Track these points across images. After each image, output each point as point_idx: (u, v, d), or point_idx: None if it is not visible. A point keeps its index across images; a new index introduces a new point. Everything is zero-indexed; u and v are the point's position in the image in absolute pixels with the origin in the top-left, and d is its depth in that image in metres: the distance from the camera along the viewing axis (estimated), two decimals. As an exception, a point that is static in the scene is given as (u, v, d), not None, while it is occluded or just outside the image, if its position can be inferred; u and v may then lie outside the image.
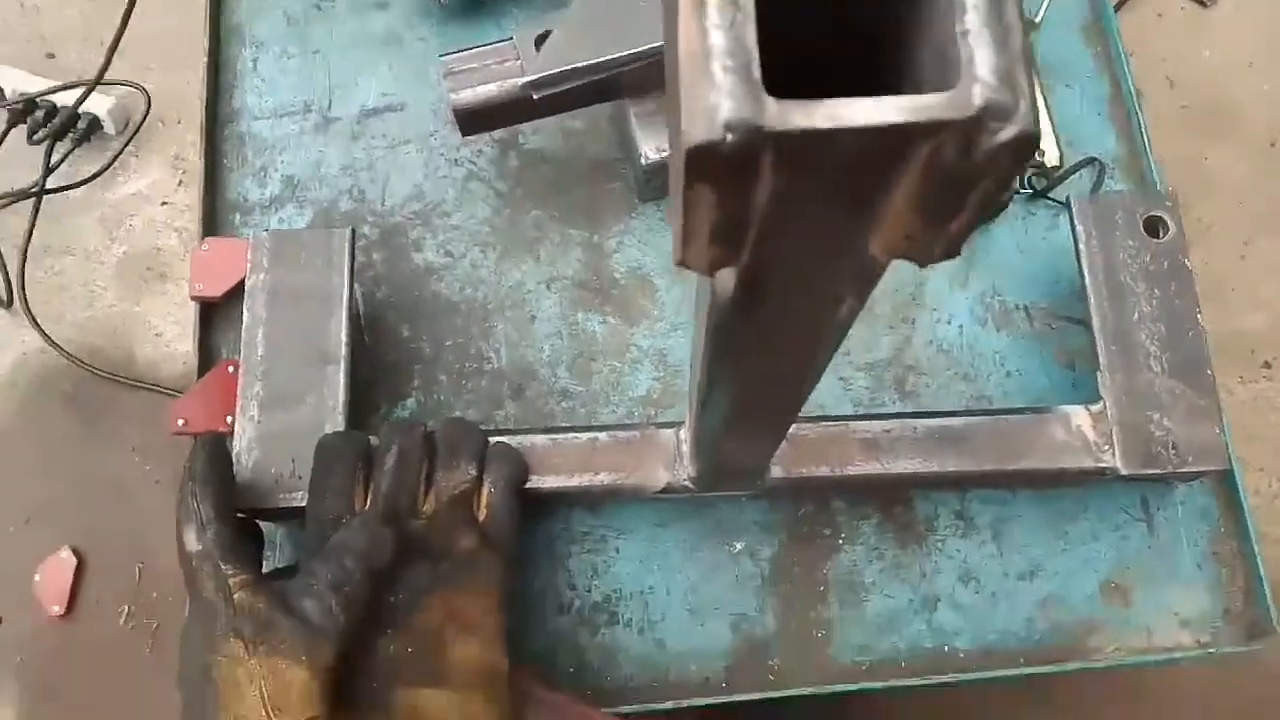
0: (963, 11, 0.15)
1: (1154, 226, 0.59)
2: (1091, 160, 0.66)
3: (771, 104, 0.14)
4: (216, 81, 0.68)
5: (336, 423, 0.54)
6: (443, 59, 0.57)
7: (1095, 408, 0.56)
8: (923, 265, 0.19)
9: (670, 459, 0.55)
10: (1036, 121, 0.15)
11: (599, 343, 0.63)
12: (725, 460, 0.48)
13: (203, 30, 0.68)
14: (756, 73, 0.14)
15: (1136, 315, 0.57)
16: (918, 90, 0.15)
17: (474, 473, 0.51)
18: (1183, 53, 1.42)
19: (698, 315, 0.28)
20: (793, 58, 0.16)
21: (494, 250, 0.64)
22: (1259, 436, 1.23)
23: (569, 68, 0.55)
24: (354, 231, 0.57)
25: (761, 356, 0.26)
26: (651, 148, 0.60)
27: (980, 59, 0.14)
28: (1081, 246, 0.58)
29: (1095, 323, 0.57)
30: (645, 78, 0.59)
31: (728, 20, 0.15)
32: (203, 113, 0.66)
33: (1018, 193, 0.65)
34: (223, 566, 0.44)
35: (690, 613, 0.58)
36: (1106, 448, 0.55)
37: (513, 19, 0.69)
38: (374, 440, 0.52)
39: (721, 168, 0.15)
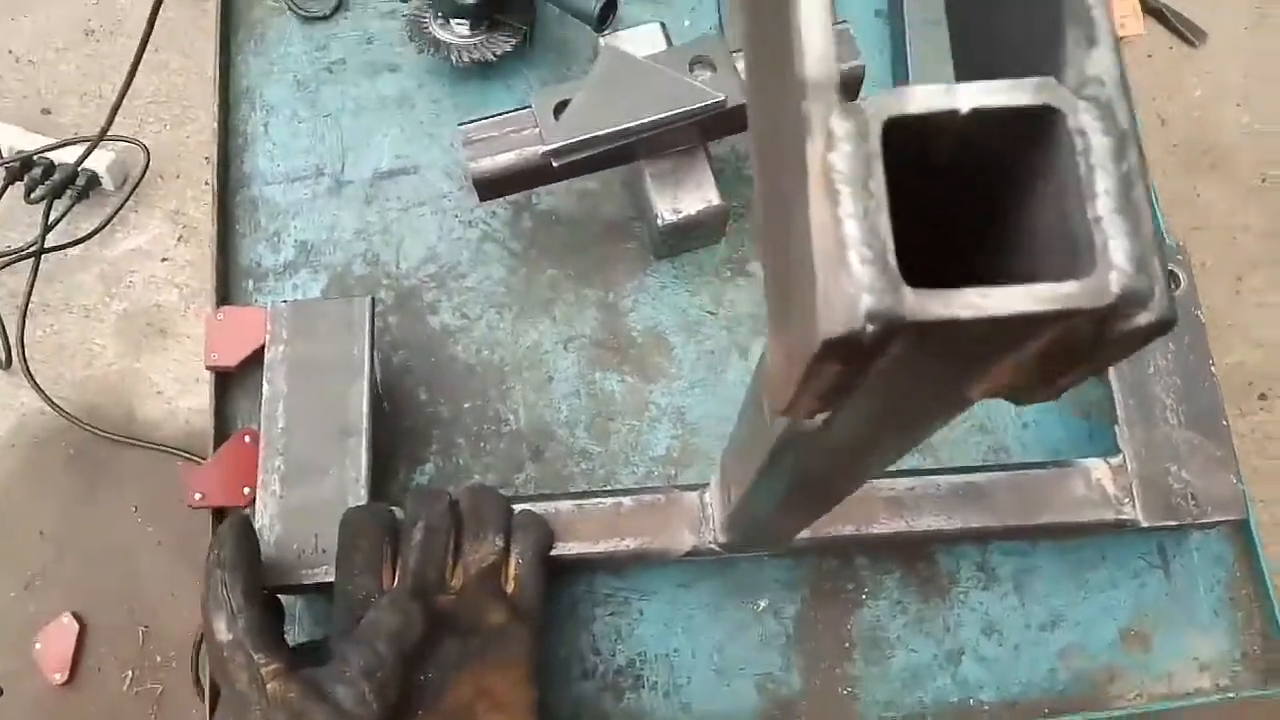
0: (1094, 197, 0.15)
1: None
2: (1097, 210, 0.67)
3: (909, 295, 0.15)
4: (227, 146, 0.68)
5: (359, 495, 0.53)
6: (461, 128, 0.58)
7: (1115, 461, 0.57)
8: (1020, 405, 0.20)
9: (695, 522, 0.55)
10: (1172, 305, 0.15)
11: (617, 402, 0.63)
12: (760, 534, 0.48)
13: (211, 93, 0.68)
14: (893, 261, 0.15)
15: (1152, 369, 0.58)
16: (1038, 269, 0.15)
17: (501, 544, 0.50)
18: (1172, 91, 1.45)
19: (749, 422, 0.28)
20: (910, 228, 0.16)
21: (510, 311, 0.64)
22: (1259, 470, 1.25)
23: (589, 136, 0.55)
24: (374, 301, 0.57)
25: (822, 470, 0.26)
26: (667, 208, 0.60)
27: (1115, 246, 0.15)
28: (1094, 300, 0.59)
29: (1112, 376, 0.58)
30: (660, 141, 0.59)
31: (862, 209, 0.15)
32: (213, 178, 0.66)
33: (1027, 244, 0.66)
34: (255, 656, 0.44)
35: (716, 674, 0.58)
36: (1127, 500, 0.56)
37: (523, 79, 0.70)
38: (398, 512, 0.52)
39: (855, 352, 0.15)
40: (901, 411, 0.20)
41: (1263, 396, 1.26)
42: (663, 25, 0.64)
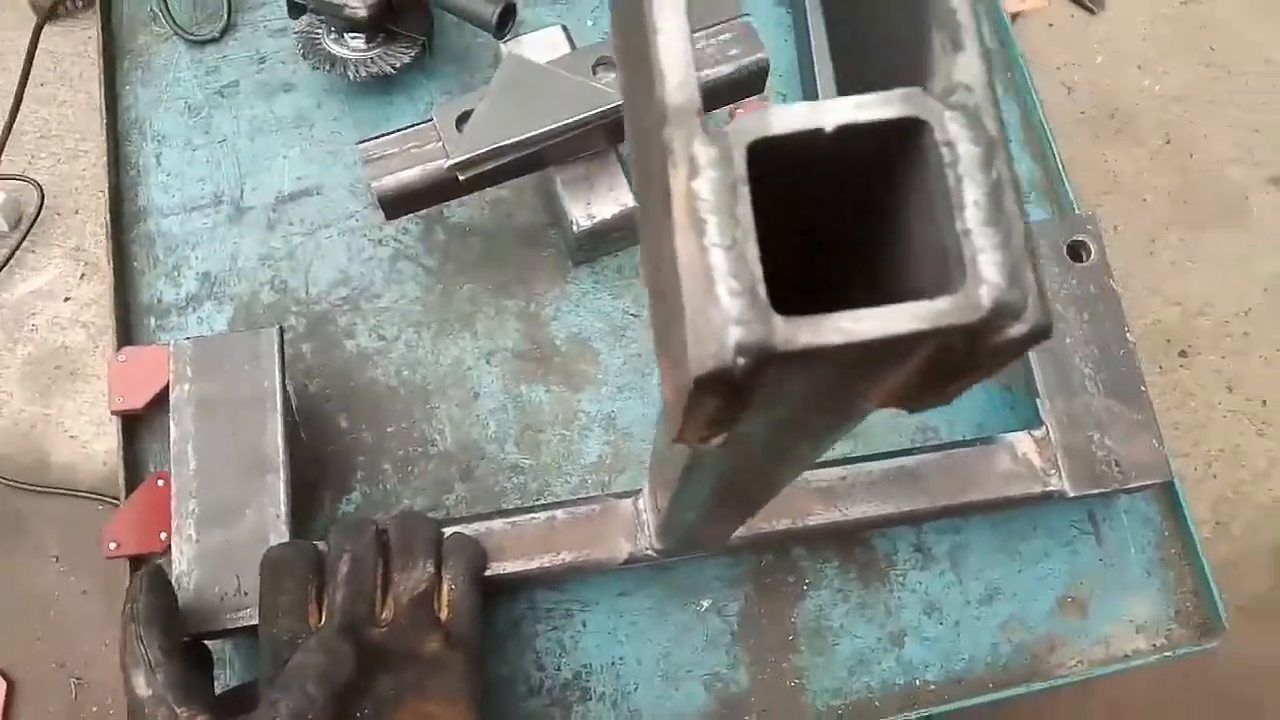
0: (962, 209, 0.15)
1: (1077, 251, 0.61)
2: (1006, 186, 0.68)
3: (780, 324, 0.14)
4: (119, 180, 0.65)
5: (281, 533, 0.52)
6: (360, 146, 0.56)
7: (1038, 433, 0.57)
8: (912, 413, 0.19)
9: (631, 529, 0.54)
10: (1047, 313, 0.15)
11: (545, 413, 0.62)
12: (693, 539, 0.48)
13: (99, 126, 0.65)
14: (763, 292, 0.14)
15: (1069, 340, 0.59)
16: (914, 282, 0.15)
17: (432, 570, 0.49)
18: (1076, 59, 1.49)
19: (662, 438, 0.28)
20: (785, 248, 0.16)
21: (429, 329, 0.63)
22: (1181, 425, 1.29)
23: (493, 147, 0.54)
24: (282, 330, 0.55)
25: (739, 480, 0.26)
26: (582, 214, 0.60)
27: (985, 259, 0.14)
28: (1008, 277, 0.60)
29: (1031, 351, 0.58)
30: (569, 146, 0.58)
31: (728, 238, 0.14)
32: (106, 215, 0.63)
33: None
34: (178, 710, 0.42)
35: (663, 678, 0.58)
36: (1053, 472, 0.57)
37: (425, 91, 0.68)
38: (322, 547, 0.50)
39: (729, 385, 0.14)
40: (799, 426, 0.20)
41: (1183, 354, 1.30)
42: (565, 28, 0.64)
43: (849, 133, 0.15)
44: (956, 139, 0.15)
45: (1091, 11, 1.51)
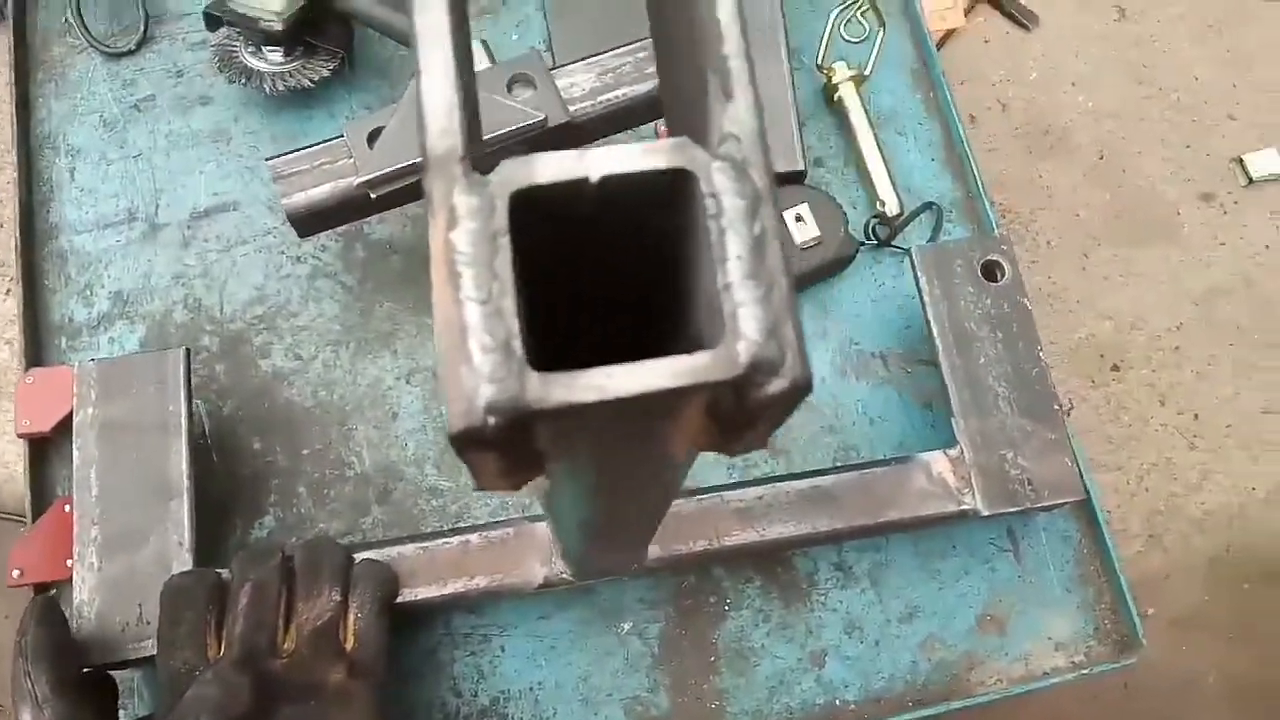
0: (724, 262, 0.14)
1: (991, 271, 0.61)
2: (929, 205, 0.68)
3: (534, 381, 0.14)
4: (30, 196, 0.63)
5: (184, 561, 0.51)
6: (269, 162, 0.55)
7: (953, 452, 0.58)
8: (732, 455, 0.19)
9: (546, 553, 0.54)
10: (806, 368, 0.15)
11: (465, 433, 0.61)
12: (592, 566, 0.48)
13: (9, 142, 0.63)
14: (518, 348, 0.14)
15: (983, 359, 0.59)
16: (693, 338, 0.15)
17: (338, 598, 0.48)
18: (1011, 76, 1.51)
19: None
20: (570, 304, 0.16)
21: (347, 349, 0.62)
22: (1114, 438, 1.31)
23: (405, 164, 0.54)
24: (189, 351, 0.54)
25: (598, 515, 0.25)
26: (499, 234, 0.59)
27: (745, 314, 0.14)
28: (925, 296, 0.60)
29: (945, 369, 0.59)
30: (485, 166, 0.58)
31: (484, 292, 0.14)
32: (16, 231, 0.61)
33: (863, 244, 0.67)
34: (64, 746, 0.41)
35: (583, 702, 0.57)
36: (967, 491, 0.57)
37: (344, 104, 0.67)
38: (226, 574, 0.49)
39: (491, 442, 0.14)
40: (615, 470, 0.20)
41: (1115, 368, 1.32)
42: (484, 43, 0.63)
43: (618, 183, 0.15)
44: (722, 191, 0.15)
45: (1026, 29, 1.54)
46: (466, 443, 0.14)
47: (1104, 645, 0.61)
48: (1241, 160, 1.55)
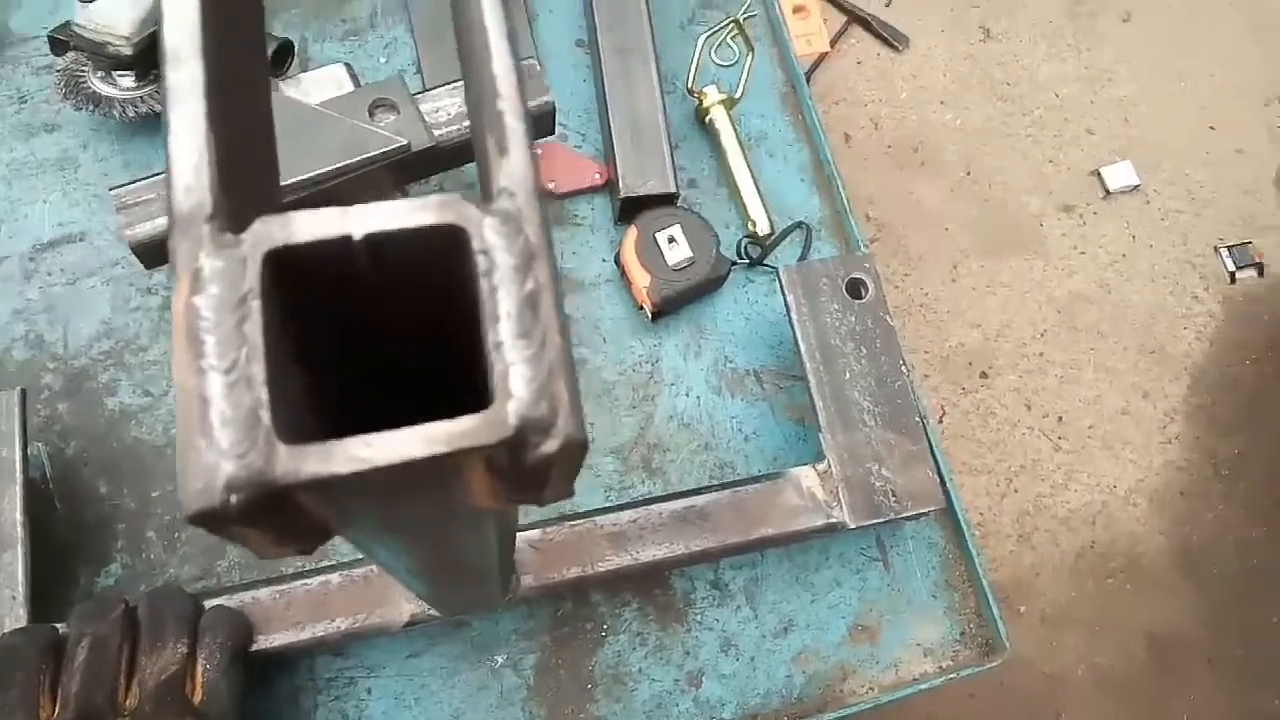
0: (495, 320, 0.14)
1: (856, 288, 0.63)
2: (799, 225, 0.70)
3: (283, 454, 0.13)
4: None
5: (18, 617, 0.47)
6: (112, 192, 0.52)
7: (821, 466, 0.59)
8: (542, 505, 0.19)
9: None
10: (579, 427, 0.14)
11: (330, 466, 0.59)
12: (449, 602, 0.46)
13: None
14: (266, 418, 0.13)
15: (848, 374, 0.61)
16: (485, 397, 0.14)
17: (184, 650, 0.46)
18: (882, 95, 1.57)
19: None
20: (372, 365, 0.15)
21: (201, 381, 0.59)
22: (984, 442, 1.37)
23: (252, 192, 0.51)
24: (24, 392, 0.51)
25: (422, 565, 0.25)
26: (360, 260, 0.57)
27: (515, 374, 0.14)
28: (793, 314, 0.61)
29: (812, 385, 0.60)
30: (349, 189, 0.56)
31: (228, 360, 0.13)
32: None
33: (735, 263, 0.68)
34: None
35: (457, 740, 0.56)
36: (835, 504, 0.58)
37: (197, 128, 0.65)
38: (64, 629, 0.46)
39: (243, 519, 0.13)
40: (416, 529, 0.19)
41: (984, 375, 1.38)
42: (348, 66, 0.61)
43: (388, 241, 0.14)
44: (493, 247, 0.14)
45: (897, 49, 1.60)
46: (207, 523, 0.13)
47: (970, 649, 0.63)
48: (1099, 173, 1.64)
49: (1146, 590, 1.34)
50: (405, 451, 0.13)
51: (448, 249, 0.15)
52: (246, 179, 0.16)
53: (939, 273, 1.41)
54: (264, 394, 0.13)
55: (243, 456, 0.13)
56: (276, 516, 0.14)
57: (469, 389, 0.18)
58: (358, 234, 0.14)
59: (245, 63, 0.17)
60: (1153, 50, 1.73)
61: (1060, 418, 1.40)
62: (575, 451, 0.14)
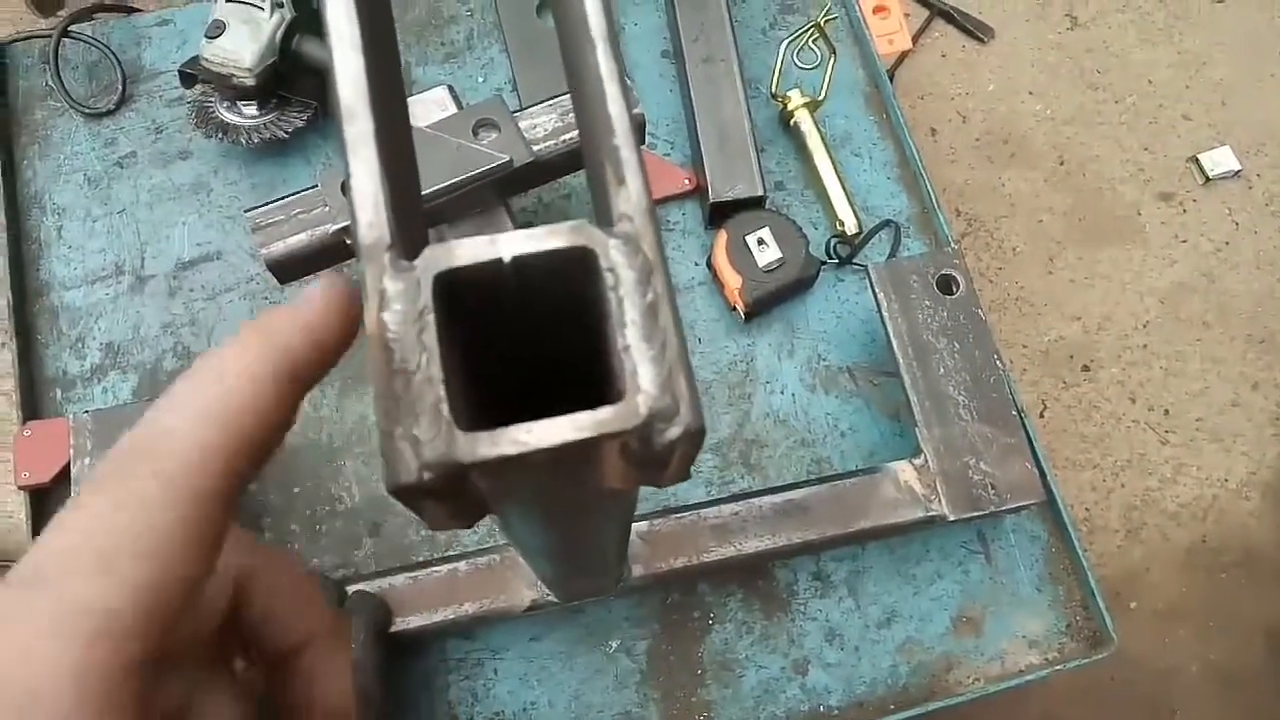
0: (623, 326, 0.17)
1: (946, 284, 0.64)
2: (887, 223, 0.71)
3: (461, 440, 0.16)
4: (20, 255, 0.66)
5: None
6: (247, 214, 0.57)
7: (918, 461, 0.60)
8: (662, 487, 0.22)
9: (533, 577, 0.56)
10: (698, 415, 0.17)
11: (449, 465, 0.63)
12: (573, 588, 0.50)
13: (-3, 203, 0.66)
14: (445, 411, 0.16)
15: (942, 370, 0.62)
16: (618, 391, 0.17)
17: (333, 628, 0.50)
18: (969, 88, 1.54)
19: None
20: (522, 364, 0.18)
21: (332, 387, 0.64)
22: (1087, 436, 1.34)
23: (376, 213, 0.56)
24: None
25: (554, 544, 0.28)
26: (472, 271, 0.61)
27: (643, 372, 0.17)
28: (884, 311, 0.63)
29: (906, 381, 0.61)
30: (456, 205, 0.60)
31: (414, 363, 0.16)
32: (7, 290, 0.64)
33: (824, 262, 0.70)
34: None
35: (576, 720, 0.59)
36: (934, 497, 0.59)
37: (320, 152, 0.70)
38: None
39: (431, 493, 0.17)
40: (556, 508, 0.22)
41: (1085, 368, 1.35)
42: (450, 88, 0.66)
43: (528, 262, 0.17)
44: (617, 264, 0.17)
45: (982, 41, 1.58)
46: (407, 495, 0.16)
47: (1077, 641, 0.63)
48: (1197, 159, 1.59)
49: (1262, 585, 1.29)
50: (558, 436, 0.16)
51: (579, 267, 0.18)
52: (409, 209, 0.19)
53: (1035, 266, 1.38)
54: (442, 390, 0.16)
55: (431, 442, 0.16)
56: (454, 492, 0.17)
57: (588, 382, 0.21)
58: (506, 257, 0.17)
59: (396, 107, 0.21)
60: (1248, 30, 1.66)
61: (1167, 410, 1.36)
62: (695, 437, 0.17)
